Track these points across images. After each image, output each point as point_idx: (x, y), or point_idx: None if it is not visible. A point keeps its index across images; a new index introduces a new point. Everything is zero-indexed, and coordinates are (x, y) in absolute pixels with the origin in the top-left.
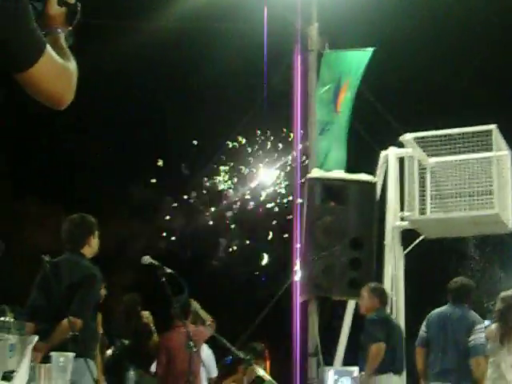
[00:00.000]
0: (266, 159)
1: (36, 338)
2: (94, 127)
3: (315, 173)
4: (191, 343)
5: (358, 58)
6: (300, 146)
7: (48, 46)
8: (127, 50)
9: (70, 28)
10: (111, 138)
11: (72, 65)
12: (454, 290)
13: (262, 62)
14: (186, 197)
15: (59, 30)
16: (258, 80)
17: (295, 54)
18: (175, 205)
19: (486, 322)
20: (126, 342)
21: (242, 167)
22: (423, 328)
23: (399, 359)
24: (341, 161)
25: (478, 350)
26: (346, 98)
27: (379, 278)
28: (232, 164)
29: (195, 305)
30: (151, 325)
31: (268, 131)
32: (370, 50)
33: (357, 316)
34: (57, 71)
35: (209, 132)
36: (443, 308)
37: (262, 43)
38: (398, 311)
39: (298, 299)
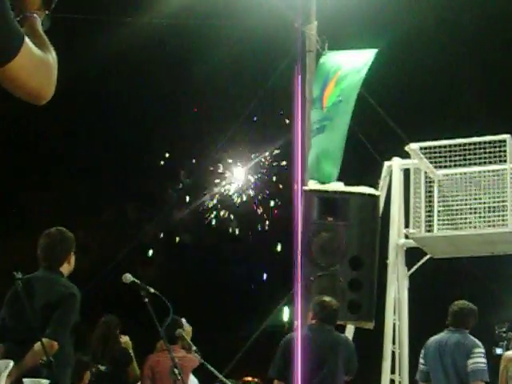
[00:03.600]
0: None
1: (11, 363)
2: (77, 131)
3: (311, 185)
4: (176, 370)
5: (357, 57)
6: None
7: (26, 39)
8: (115, 47)
9: (47, 12)
10: (96, 143)
11: (51, 56)
12: (453, 314)
13: (258, 62)
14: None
15: (35, 15)
16: (254, 82)
17: (298, 55)
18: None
19: (498, 350)
20: (102, 368)
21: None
22: (421, 360)
23: None
24: (331, 166)
25: (477, 374)
26: (334, 92)
27: (381, 300)
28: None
29: (181, 330)
30: (130, 350)
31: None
32: (374, 50)
33: (357, 342)
34: (36, 65)
35: (194, 138)
36: (440, 335)
37: (258, 43)
38: (401, 337)
39: (300, 325)
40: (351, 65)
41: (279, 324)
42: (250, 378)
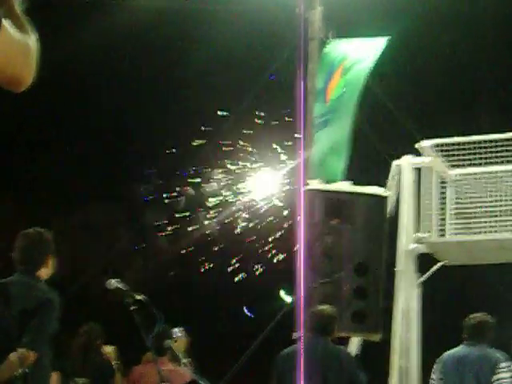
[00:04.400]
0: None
1: None
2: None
3: (315, 184)
4: None
5: (365, 46)
6: (303, 151)
7: (4, 21)
8: (103, 31)
9: None
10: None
11: (31, 39)
12: (471, 328)
13: (257, 51)
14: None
15: None
16: (254, 71)
17: (300, 44)
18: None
19: None
20: (81, 381)
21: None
22: (434, 376)
23: None
24: (336, 161)
25: None
26: (339, 85)
27: (388, 310)
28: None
29: (170, 341)
30: (114, 362)
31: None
32: (384, 39)
33: (362, 355)
34: (15, 49)
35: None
36: (457, 349)
37: (257, 30)
38: (410, 351)
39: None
40: (358, 54)
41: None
42: None
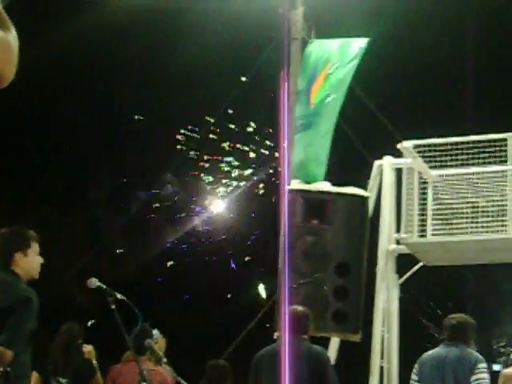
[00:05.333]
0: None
1: None
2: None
3: (295, 184)
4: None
5: (348, 48)
6: (285, 152)
7: None
8: (86, 28)
9: None
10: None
11: (12, 35)
12: (451, 328)
13: (239, 50)
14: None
15: None
16: (235, 70)
17: (283, 42)
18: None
19: (496, 367)
20: (64, 380)
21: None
22: (414, 377)
23: None
24: (315, 166)
25: None
26: (322, 87)
27: (369, 310)
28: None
29: (151, 341)
30: (94, 361)
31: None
32: (365, 40)
33: (342, 356)
34: None
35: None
36: (436, 350)
37: (239, 29)
38: (390, 351)
39: (286, 335)
40: (341, 57)
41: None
42: None
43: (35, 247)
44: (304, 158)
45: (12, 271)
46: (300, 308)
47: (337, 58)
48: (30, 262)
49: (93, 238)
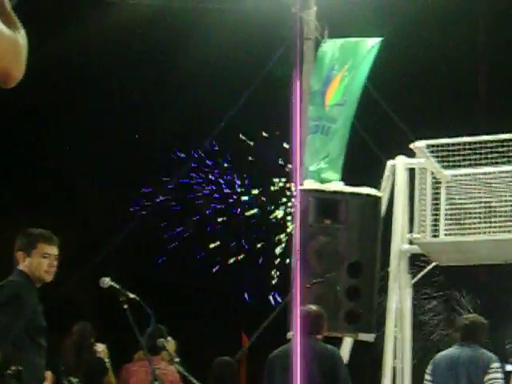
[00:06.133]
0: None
1: None
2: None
3: (308, 184)
4: (156, 383)
5: (362, 48)
6: (297, 152)
7: None
8: (99, 28)
9: None
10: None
11: (20, 35)
12: (463, 329)
13: (252, 49)
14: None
15: None
16: (247, 70)
17: (296, 42)
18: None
19: (509, 367)
20: (75, 380)
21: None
22: (427, 377)
23: None
24: (332, 175)
25: None
26: (338, 90)
27: (381, 310)
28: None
29: (163, 340)
30: (106, 360)
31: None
32: (378, 39)
33: (355, 356)
34: (5, 45)
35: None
36: (450, 350)
37: (252, 29)
38: (403, 351)
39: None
40: (355, 58)
41: None
42: None
43: (43, 249)
44: (320, 165)
45: (19, 270)
46: (314, 308)
47: (351, 59)
48: (32, 262)
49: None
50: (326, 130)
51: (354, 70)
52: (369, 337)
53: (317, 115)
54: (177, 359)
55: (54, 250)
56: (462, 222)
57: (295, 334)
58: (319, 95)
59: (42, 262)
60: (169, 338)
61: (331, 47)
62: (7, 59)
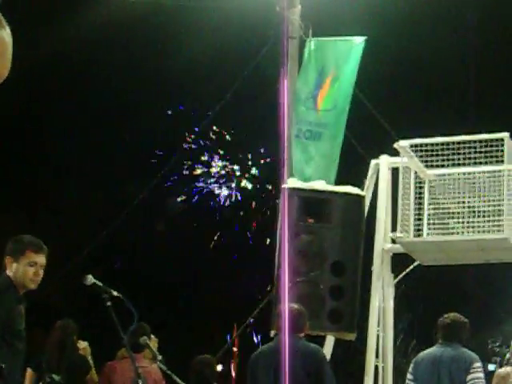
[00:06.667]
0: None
1: None
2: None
3: (291, 182)
4: (139, 381)
5: (347, 48)
6: (284, 150)
7: None
8: (89, 24)
9: None
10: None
11: (6, 33)
12: (445, 327)
13: (236, 47)
14: None
15: None
16: (232, 67)
17: (282, 41)
18: None
19: (491, 366)
20: (57, 377)
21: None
22: (409, 376)
23: None
24: (322, 172)
25: None
26: (330, 94)
27: (364, 309)
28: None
29: (147, 338)
30: (89, 357)
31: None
32: (362, 38)
33: (337, 354)
34: None
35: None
36: (432, 349)
37: (237, 27)
38: (385, 350)
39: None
40: (343, 59)
41: None
42: None
43: (31, 257)
44: (313, 173)
45: (4, 274)
46: (295, 306)
47: (337, 60)
48: (18, 269)
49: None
50: (319, 135)
51: (341, 71)
52: (351, 336)
53: (309, 120)
54: (159, 357)
55: (41, 259)
56: (445, 221)
57: (283, 333)
58: (311, 98)
59: (27, 270)
60: (152, 336)
61: (317, 48)
62: None
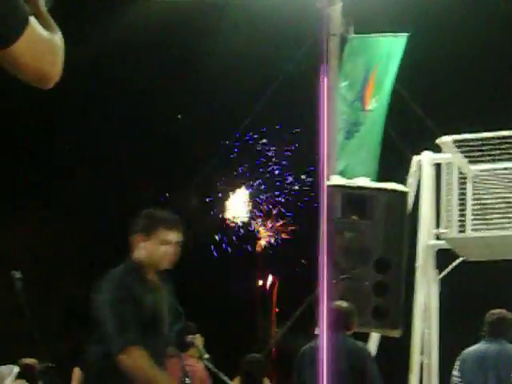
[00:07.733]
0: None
1: (15, 369)
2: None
3: (335, 180)
4: (187, 380)
5: (389, 46)
6: (324, 147)
7: (31, 18)
8: (117, 26)
9: None
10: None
11: (57, 36)
12: (491, 324)
13: (274, 47)
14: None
15: None
16: (270, 67)
17: (322, 38)
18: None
19: None
20: None
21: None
22: (456, 373)
23: None
24: (370, 171)
25: None
26: (375, 93)
27: (409, 306)
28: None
29: (193, 336)
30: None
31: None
32: (404, 35)
33: (382, 352)
34: (42, 45)
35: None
36: (477, 345)
37: (275, 26)
38: (430, 347)
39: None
40: (386, 57)
41: None
42: None
43: (163, 235)
44: (355, 170)
45: (128, 259)
46: (345, 304)
47: (380, 57)
48: (148, 248)
49: None
50: (360, 132)
51: (385, 69)
52: (395, 332)
53: (354, 120)
54: (206, 356)
55: (175, 237)
56: (488, 216)
57: (321, 330)
58: (359, 98)
59: (159, 248)
60: (197, 335)
61: (359, 44)
62: (46, 61)
